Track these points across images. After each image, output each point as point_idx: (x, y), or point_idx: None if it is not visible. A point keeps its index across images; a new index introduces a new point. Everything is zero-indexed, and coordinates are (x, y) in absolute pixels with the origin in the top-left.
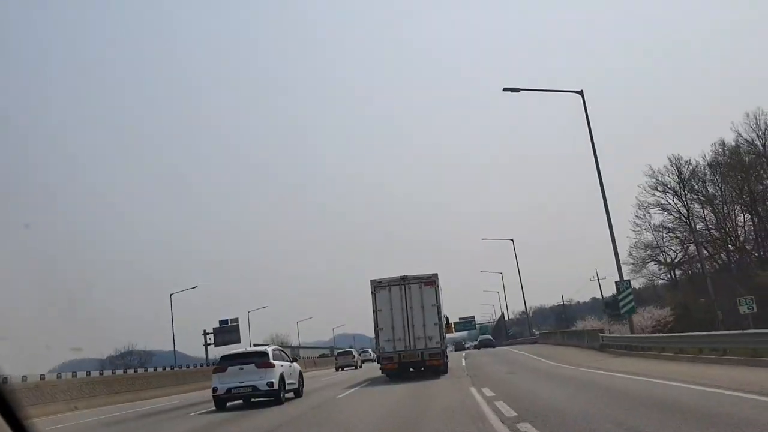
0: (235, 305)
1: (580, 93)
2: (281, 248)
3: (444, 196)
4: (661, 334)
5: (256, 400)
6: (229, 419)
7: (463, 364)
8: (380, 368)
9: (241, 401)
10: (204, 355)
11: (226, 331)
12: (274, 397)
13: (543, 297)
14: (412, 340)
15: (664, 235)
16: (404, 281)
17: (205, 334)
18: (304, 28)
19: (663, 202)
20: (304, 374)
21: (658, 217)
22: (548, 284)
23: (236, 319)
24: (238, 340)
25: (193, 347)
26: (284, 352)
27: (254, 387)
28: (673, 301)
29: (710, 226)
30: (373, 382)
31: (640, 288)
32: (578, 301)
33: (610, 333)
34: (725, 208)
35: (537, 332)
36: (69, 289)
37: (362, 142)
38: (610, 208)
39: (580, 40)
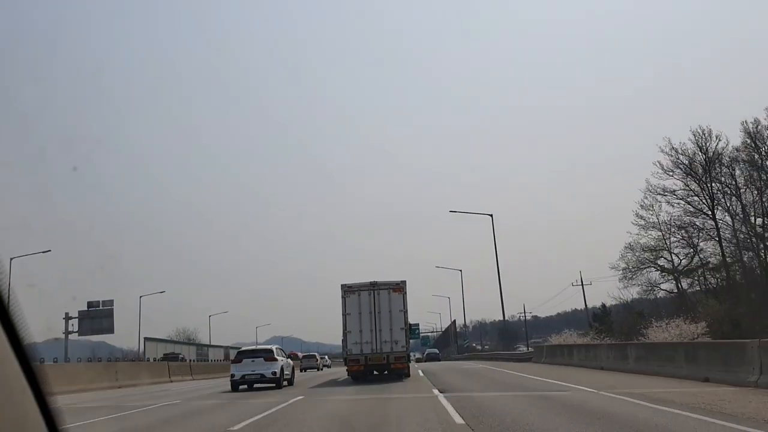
0: (127, 288)
1: None
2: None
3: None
4: None
5: (259, 385)
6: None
7: (456, 417)
8: (346, 369)
9: (246, 386)
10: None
11: (96, 317)
12: (275, 383)
13: (483, 312)
14: (378, 343)
15: (674, 232)
16: (374, 287)
17: (67, 318)
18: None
19: (682, 186)
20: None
21: (665, 211)
22: (491, 301)
23: (110, 302)
24: (110, 330)
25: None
26: (282, 350)
27: (262, 375)
28: (711, 315)
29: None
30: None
31: (631, 300)
32: (520, 318)
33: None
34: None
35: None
36: None
37: None
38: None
39: None
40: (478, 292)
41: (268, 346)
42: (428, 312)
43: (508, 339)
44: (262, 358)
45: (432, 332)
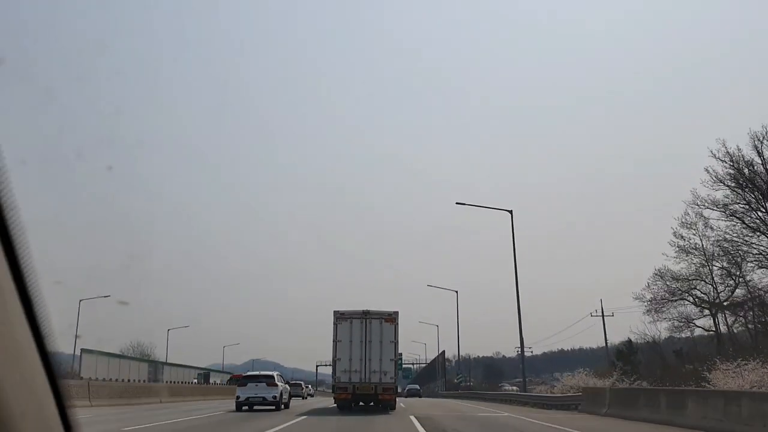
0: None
1: None
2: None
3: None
4: None
5: (259, 407)
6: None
7: None
8: (334, 398)
9: (247, 407)
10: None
11: None
12: (275, 405)
13: (468, 347)
14: (367, 373)
15: (719, 257)
16: (366, 315)
17: None
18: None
19: (734, 200)
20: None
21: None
22: (479, 334)
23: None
24: None
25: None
26: (282, 376)
27: (264, 398)
28: None
29: None
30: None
31: (662, 338)
32: (504, 356)
33: None
34: None
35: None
36: None
37: None
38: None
39: None
40: (466, 324)
41: (270, 372)
42: (412, 341)
43: (494, 376)
44: (264, 383)
45: (414, 364)
